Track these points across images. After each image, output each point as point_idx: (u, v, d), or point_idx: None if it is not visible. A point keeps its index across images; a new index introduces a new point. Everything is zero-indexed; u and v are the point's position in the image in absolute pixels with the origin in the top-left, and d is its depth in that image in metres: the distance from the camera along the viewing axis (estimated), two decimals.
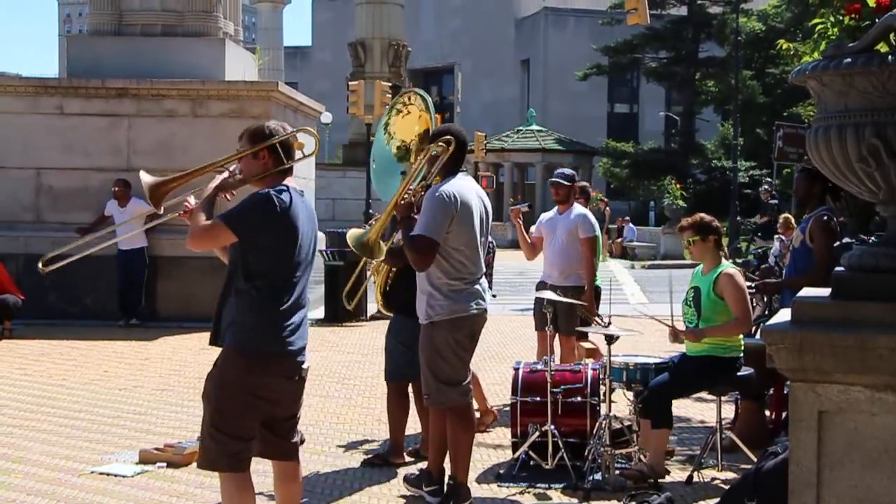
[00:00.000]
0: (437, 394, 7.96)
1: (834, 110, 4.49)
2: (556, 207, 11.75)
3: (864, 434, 4.33)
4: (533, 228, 12.10)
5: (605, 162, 65.93)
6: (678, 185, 57.09)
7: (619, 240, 38.89)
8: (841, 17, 4.72)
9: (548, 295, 10.22)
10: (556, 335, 11.01)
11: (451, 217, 7.72)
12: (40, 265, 7.24)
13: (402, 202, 7.82)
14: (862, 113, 4.35)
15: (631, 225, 44.45)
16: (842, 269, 4.64)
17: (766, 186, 37.78)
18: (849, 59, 4.40)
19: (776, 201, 35.35)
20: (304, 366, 6.71)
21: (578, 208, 11.70)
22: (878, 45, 4.32)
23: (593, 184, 61.20)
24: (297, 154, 6.87)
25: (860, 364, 4.31)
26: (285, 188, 6.55)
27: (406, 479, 8.42)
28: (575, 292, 10.83)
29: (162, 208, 6.85)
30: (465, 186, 7.97)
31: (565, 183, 11.70)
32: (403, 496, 8.34)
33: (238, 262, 6.56)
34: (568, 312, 10.81)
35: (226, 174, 6.86)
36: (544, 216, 12.03)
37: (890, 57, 4.20)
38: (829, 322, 4.45)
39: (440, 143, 7.93)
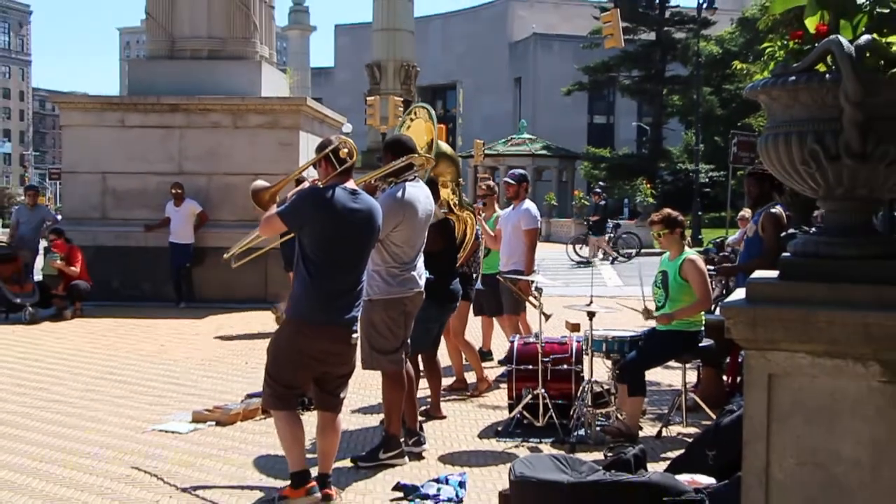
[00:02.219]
0: (371, 360, 7.95)
1: (781, 120, 4.50)
2: (512, 204, 11.75)
3: (806, 393, 4.33)
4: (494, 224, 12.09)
5: (586, 165, 65.88)
6: (648, 185, 57.00)
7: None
8: (786, 42, 4.72)
9: (521, 278, 10.51)
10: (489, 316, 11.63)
11: (399, 220, 7.75)
12: (232, 261, 7.75)
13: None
14: (805, 123, 4.34)
15: (609, 219, 44.51)
16: (788, 255, 4.67)
17: (598, 190, 38.55)
18: (793, 78, 4.40)
19: (604, 202, 36.14)
20: (354, 335, 6.90)
21: (526, 203, 11.65)
22: (817, 66, 4.33)
23: (576, 184, 61.45)
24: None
25: (803, 334, 4.33)
26: (331, 187, 6.76)
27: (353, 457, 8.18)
28: (516, 274, 10.85)
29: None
30: (410, 194, 7.93)
31: (513, 182, 11.78)
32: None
33: (298, 246, 6.77)
34: (507, 293, 11.09)
35: (306, 182, 7.26)
36: (503, 212, 12.03)
37: (827, 75, 4.21)
38: (777, 300, 4.46)
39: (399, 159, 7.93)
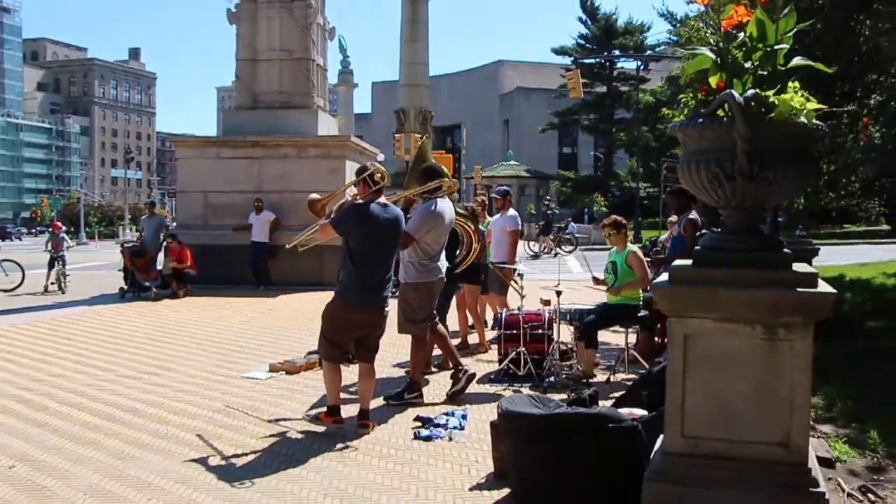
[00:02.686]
0: (404, 326, 7.97)
1: (693, 151, 4.45)
2: (497, 212, 11.56)
3: (712, 349, 4.30)
4: (487, 226, 11.83)
5: (557, 184, 65.37)
6: (602, 198, 56.88)
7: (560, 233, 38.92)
8: (696, 94, 4.70)
9: (506, 267, 10.46)
10: (493, 291, 11.29)
11: (430, 226, 7.75)
12: (298, 247, 7.74)
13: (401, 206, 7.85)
14: (709, 153, 4.30)
15: (573, 223, 44.14)
16: (699, 248, 4.65)
17: (546, 202, 39.93)
18: (701, 120, 4.36)
19: (552, 212, 36.83)
20: (386, 308, 6.95)
21: (511, 211, 11.48)
22: (718, 111, 4.31)
23: (549, 198, 61.17)
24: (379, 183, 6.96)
25: (709, 306, 4.29)
26: (369, 202, 6.78)
27: (451, 392, 8.10)
28: (503, 265, 10.78)
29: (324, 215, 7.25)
30: (440, 207, 7.92)
31: (499, 196, 11.63)
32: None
33: (345, 245, 6.80)
34: (495, 278, 10.97)
35: (348, 197, 7.17)
36: (492, 218, 11.80)
37: (725, 119, 4.19)
38: (690, 281, 4.44)
39: (433, 181, 7.96)
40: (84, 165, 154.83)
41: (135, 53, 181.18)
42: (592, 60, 63.31)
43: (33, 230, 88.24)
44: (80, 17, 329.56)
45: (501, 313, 9.71)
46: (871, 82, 12.34)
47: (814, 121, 4.16)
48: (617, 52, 63.40)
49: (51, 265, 19.37)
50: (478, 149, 72.77)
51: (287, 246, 8.32)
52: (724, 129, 4.16)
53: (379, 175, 6.89)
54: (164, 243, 18.65)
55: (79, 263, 20.71)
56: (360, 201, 6.89)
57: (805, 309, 4.15)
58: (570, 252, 33.45)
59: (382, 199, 6.93)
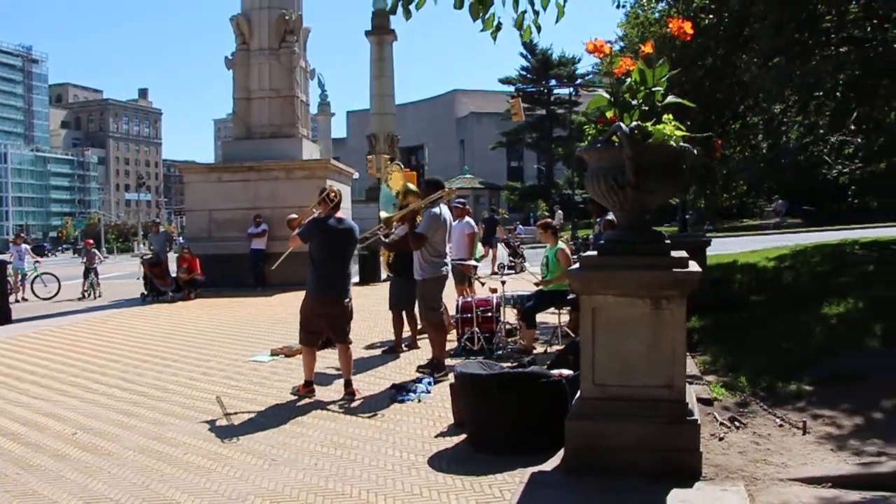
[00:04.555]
0: (427, 314, 8.17)
1: (595, 168, 4.89)
2: (456, 219, 11.64)
3: (613, 317, 4.73)
4: None
5: (507, 193, 65.91)
6: (544, 204, 57.45)
7: (513, 234, 39.25)
8: (597, 126, 5.17)
9: (466, 263, 10.71)
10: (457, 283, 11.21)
11: (437, 227, 8.05)
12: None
13: (409, 215, 8.16)
14: (606, 169, 4.73)
15: (521, 225, 44.56)
16: (602, 242, 5.11)
17: (493, 208, 40.39)
18: (599, 145, 4.87)
19: (496, 216, 35.59)
20: (346, 301, 7.28)
21: (467, 218, 11.89)
22: (612, 138, 4.78)
23: (500, 205, 61.65)
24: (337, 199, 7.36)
25: (609, 285, 4.74)
26: (328, 217, 7.21)
27: (419, 367, 8.33)
28: (462, 261, 10.94)
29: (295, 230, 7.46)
30: (443, 211, 8.23)
31: (458, 206, 12.07)
32: (419, 370, 8.40)
33: (308, 252, 7.18)
34: (461, 272, 11.05)
35: (315, 213, 7.47)
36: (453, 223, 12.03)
37: (616, 143, 4.67)
38: (596, 267, 4.89)
39: (436, 192, 8.27)
40: (101, 190, 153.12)
41: (143, 93, 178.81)
42: (532, 88, 63.93)
43: (59, 248, 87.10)
44: (96, 63, 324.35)
45: (458, 300, 9.98)
46: (746, 108, 12.94)
47: (681, 143, 4.68)
48: (553, 82, 64.17)
49: (85, 275, 19.57)
50: (438, 165, 72.80)
51: (273, 268, 8.75)
52: (616, 151, 4.63)
53: (333, 194, 7.35)
54: (176, 254, 18.82)
55: (103, 274, 20.79)
56: (320, 216, 7.32)
57: (680, 284, 4.67)
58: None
59: (339, 215, 7.34)
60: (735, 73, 11.68)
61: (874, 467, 4.68)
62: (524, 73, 67.33)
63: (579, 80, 60.30)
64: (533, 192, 65.01)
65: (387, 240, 8.68)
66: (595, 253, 5.07)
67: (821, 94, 10.21)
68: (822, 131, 11.62)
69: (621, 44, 19.12)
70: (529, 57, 65.75)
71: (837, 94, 9.95)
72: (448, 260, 8.39)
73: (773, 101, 11.25)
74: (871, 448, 5.00)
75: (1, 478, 5.16)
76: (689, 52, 12.07)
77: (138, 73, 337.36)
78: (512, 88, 63.06)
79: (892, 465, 4.69)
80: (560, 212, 46.42)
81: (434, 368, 7.98)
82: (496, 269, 11.84)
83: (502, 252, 23.65)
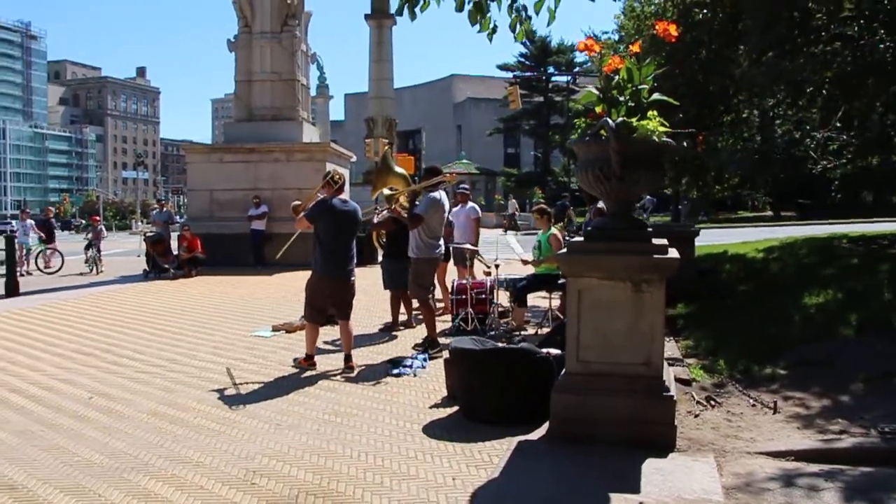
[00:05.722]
0: (416, 291, 8.58)
1: (584, 160, 5.21)
2: (459, 204, 12.10)
3: (597, 299, 5.03)
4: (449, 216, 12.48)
5: (503, 179, 66.18)
6: (540, 191, 57.68)
7: (507, 220, 40.04)
8: (586, 120, 5.47)
9: (463, 246, 10.91)
10: (460, 267, 11.48)
11: (434, 210, 8.40)
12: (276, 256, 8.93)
13: (410, 197, 8.61)
14: (594, 161, 5.04)
15: (519, 212, 45.00)
16: (588, 229, 5.45)
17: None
18: (587, 138, 5.19)
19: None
20: (351, 279, 7.64)
21: (470, 203, 12.11)
22: (600, 132, 5.10)
23: (496, 191, 62.01)
24: (340, 182, 7.74)
25: (594, 268, 5.05)
26: (332, 198, 7.55)
27: (415, 345, 8.63)
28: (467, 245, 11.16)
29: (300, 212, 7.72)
30: (441, 196, 8.58)
31: (461, 192, 12.36)
32: (415, 346, 8.74)
33: (315, 232, 7.50)
34: (464, 255, 11.19)
35: (319, 196, 7.83)
36: (454, 209, 11.98)
37: (604, 137, 4.99)
38: (583, 251, 5.20)
39: (435, 177, 8.66)
40: (99, 168, 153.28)
41: (141, 71, 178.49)
42: (530, 75, 64.14)
43: (57, 224, 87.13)
44: (95, 41, 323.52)
45: (454, 282, 10.29)
46: (739, 102, 13.26)
47: (664, 138, 5.02)
48: (551, 69, 64.36)
49: (86, 249, 20.01)
50: (436, 150, 72.94)
51: (277, 257, 9.50)
52: (604, 145, 4.96)
53: (338, 177, 7.73)
54: (176, 232, 19.18)
55: (103, 251, 21.11)
56: (325, 198, 7.67)
57: (659, 269, 5.00)
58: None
59: (343, 196, 7.71)
60: (728, 67, 11.97)
61: (834, 443, 5.05)
62: (522, 59, 67.51)
63: (577, 69, 60.44)
64: (529, 179, 65.30)
65: (378, 219, 9.07)
66: (581, 239, 5.42)
67: (810, 90, 10.51)
68: (808, 127, 11.95)
69: (620, 33, 19.37)
70: (528, 44, 65.78)
71: (824, 91, 10.26)
72: (441, 244, 8.70)
73: (763, 97, 11.56)
74: (835, 427, 5.37)
75: (28, 434, 5.52)
76: (683, 47, 12.38)
77: (136, 52, 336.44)
78: (510, 75, 63.28)
79: (851, 441, 5.07)
80: (514, 201, 47.10)
81: (429, 345, 8.29)
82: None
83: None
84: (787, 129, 11.48)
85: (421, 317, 9.23)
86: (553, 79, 64.63)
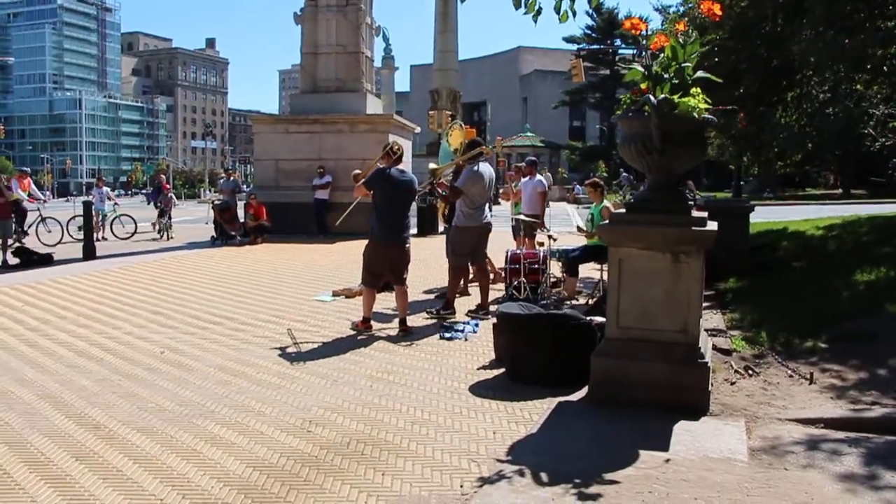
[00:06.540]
0: (452, 258, 8.95)
1: (627, 135, 5.43)
2: (528, 176, 12.26)
3: (637, 268, 5.27)
4: (516, 187, 12.62)
5: (568, 153, 66.03)
6: (604, 165, 57.33)
7: (571, 193, 39.86)
8: (632, 96, 5.66)
9: (521, 218, 11.18)
10: (523, 238, 11.62)
11: (474, 182, 8.68)
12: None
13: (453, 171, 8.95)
14: (637, 136, 5.27)
15: (578, 185, 44.73)
16: (630, 201, 5.65)
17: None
18: (630, 113, 5.41)
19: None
20: (406, 245, 7.97)
21: (538, 176, 12.26)
22: (643, 108, 5.31)
23: (560, 164, 61.75)
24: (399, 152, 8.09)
25: (635, 239, 5.29)
26: (390, 167, 7.89)
27: (468, 311, 8.90)
28: (534, 218, 11.33)
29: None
30: (482, 168, 8.86)
31: (529, 165, 12.45)
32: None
33: (372, 200, 7.86)
34: (530, 226, 11.45)
35: (378, 164, 8.16)
36: (522, 180, 12.31)
37: (646, 113, 5.20)
38: (625, 222, 5.44)
39: (477, 149, 8.93)
40: (169, 137, 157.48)
41: (211, 43, 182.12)
42: (596, 48, 63.47)
43: (129, 192, 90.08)
44: (167, 12, 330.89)
45: (508, 252, 10.41)
46: (803, 78, 13.08)
47: (704, 115, 5.20)
48: (618, 42, 63.53)
49: (160, 216, 20.91)
50: (500, 123, 73.05)
51: (336, 224, 10.02)
52: (645, 120, 5.18)
53: (396, 147, 8.09)
54: (242, 201, 19.82)
55: (174, 218, 22.00)
56: (383, 167, 8.00)
57: (697, 241, 5.21)
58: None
59: (401, 167, 8.04)
60: (791, 42, 11.86)
61: (864, 413, 5.21)
62: (589, 31, 66.81)
63: (644, 42, 59.52)
64: (594, 153, 65.00)
65: (440, 189, 9.39)
66: (623, 211, 5.65)
67: (869, 66, 10.38)
68: (865, 104, 11.77)
69: (688, 4, 19.15)
70: (595, 16, 65.06)
71: (884, 67, 10.14)
72: (486, 214, 8.96)
73: (822, 73, 11.44)
74: (867, 398, 5.52)
75: (108, 382, 6.06)
76: (746, 21, 12.30)
77: (206, 23, 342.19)
78: (576, 47, 62.72)
79: (881, 411, 5.23)
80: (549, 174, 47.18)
81: (442, 307, 8.73)
82: None
83: None
84: (845, 105, 11.32)
85: (475, 284, 9.53)
86: (620, 51, 63.78)
